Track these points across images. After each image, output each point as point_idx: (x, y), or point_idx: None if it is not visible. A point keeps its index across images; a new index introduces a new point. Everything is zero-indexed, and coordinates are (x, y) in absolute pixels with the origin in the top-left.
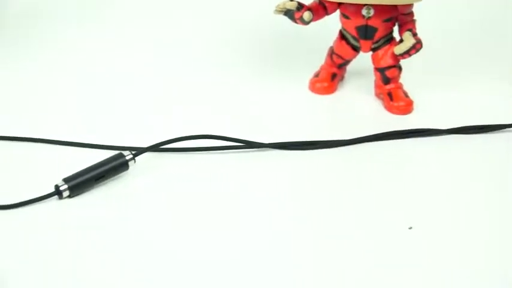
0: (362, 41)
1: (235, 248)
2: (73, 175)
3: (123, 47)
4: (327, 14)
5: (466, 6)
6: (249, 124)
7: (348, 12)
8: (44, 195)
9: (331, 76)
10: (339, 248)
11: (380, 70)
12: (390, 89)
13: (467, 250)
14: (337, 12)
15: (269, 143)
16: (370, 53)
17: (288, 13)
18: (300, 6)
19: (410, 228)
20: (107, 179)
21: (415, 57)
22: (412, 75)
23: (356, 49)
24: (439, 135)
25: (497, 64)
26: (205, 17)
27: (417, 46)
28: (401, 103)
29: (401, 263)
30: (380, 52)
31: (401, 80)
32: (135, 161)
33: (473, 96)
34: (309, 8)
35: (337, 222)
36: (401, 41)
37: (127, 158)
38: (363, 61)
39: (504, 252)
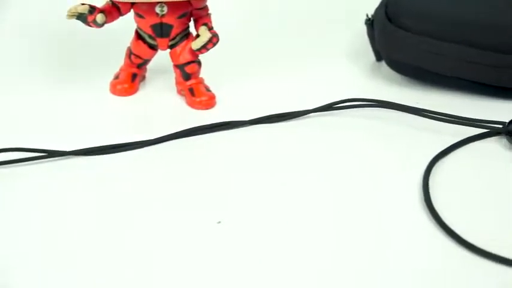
0: (159, 39)
1: None
2: None
3: None
4: (121, 14)
5: None
6: (49, 132)
7: (142, 11)
8: None
9: (131, 77)
10: (147, 250)
11: (179, 67)
12: (191, 85)
13: (276, 243)
14: (132, 12)
15: (72, 150)
16: (168, 50)
17: (81, 17)
18: (93, 9)
19: (219, 222)
20: None
21: (213, 51)
22: (213, 69)
23: (154, 48)
24: (242, 126)
25: (297, 53)
26: None
27: (214, 40)
28: (204, 98)
29: (212, 256)
30: (178, 49)
31: (201, 75)
32: None
33: (274, 85)
34: (101, 11)
35: (145, 222)
36: (197, 36)
37: None
38: (163, 59)
39: (315, 238)
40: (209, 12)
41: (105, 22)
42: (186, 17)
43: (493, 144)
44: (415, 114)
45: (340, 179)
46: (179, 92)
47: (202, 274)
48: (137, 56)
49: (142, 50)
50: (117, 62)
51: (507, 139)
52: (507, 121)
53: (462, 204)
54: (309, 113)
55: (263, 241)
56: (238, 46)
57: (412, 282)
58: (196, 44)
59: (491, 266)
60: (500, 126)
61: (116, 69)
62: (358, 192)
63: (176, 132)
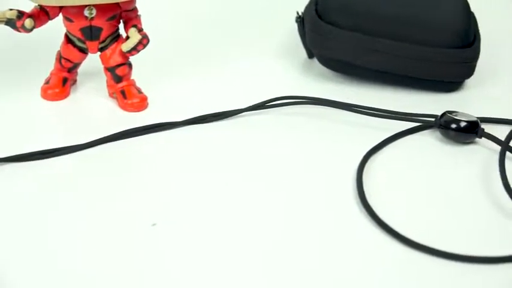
0: (88, 42)
1: None
2: None
3: None
4: (50, 19)
5: None
6: None
7: (70, 14)
8: None
9: (62, 81)
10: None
11: (110, 69)
12: (123, 87)
13: (211, 244)
14: (61, 16)
15: (3, 157)
16: (99, 53)
17: (9, 23)
18: (21, 15)
19: (154, 225)
20: None
21: (144, 52)
22: (144, 70)
23: (84, 51)
24: (176, 127)
25: (229, 51)
26: None
27: (144, 41)
28: (136, 100)
29: (147, 258)
30: (108, 51)
31: (133, 77)
32: None
33: (207, 84)
34: (30, 15)
35: (79, 227)
36: (127, 38)
37: None
38: (93, 62)
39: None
40: (138, 13)
41: (34, 27)
42: (115, 19)
43: (426, 138)
44: (347, 110)
45: (275, 177)
46: (111, 95)
47: (138, 277)
48: (67, 60)
49: (72, 53)
50: (48, 66)
51: (440, 132)
52: (439, 114)
53: (396, 198)
54: (242, 112)
55: (199, 242)
56: (169, 47)
57: (348, 275)
58: (126, 46)
59: (426, 258)
60: (433, 119)
61: (47, 74)
62: (293, 190)
63: (108, 136)
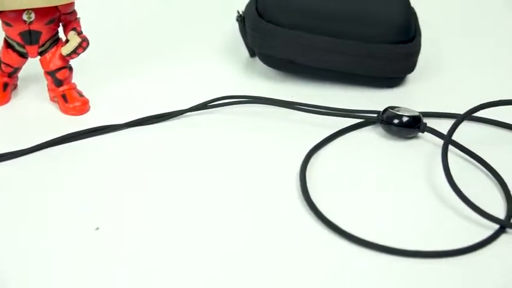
0: (28, 47)
1: None
2: None
3: None
4: None
5: None
6: None
7: (9, 19)
8: None
9: (2, 86)
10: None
11: (51, 73)
12: (64, 91)
13: (154, 246)
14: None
15: None
16: (39, 57)
17: None
18: None
19: (97, 229)
20: None
21: (84, 55)
22: (85, 73)
23: (24, 55)
24: (119, 130)
25: (170, 52)
26: None
27: (83, 44)
28: (77, 103)
29: (90, 261)
30: (48, 55)
31: (73, 80)
32: None
33: (149, 86)
34: None
35: (22, 232)
36: (67, 41)
37: None
38: (34, 66)
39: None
40: (78, 16)
41: None
42: (54, 22)
43: (369, 134)
44: (290, 108)
45: (220, 177)
46: (52, 99)
47: (81, 281)
48: (7, 65)
49: (12, 58)
50: None
51: (382, 127)
52: (381, 110)
53: (340, 194)
54: (185, 112)
55: (142, 245)
56: (110, 49)
57: (292, 271)
58: (66, 50)
59: (369, 254)
60: (375, 115)
61: None
62: (238, 189)
63: (50, 140)
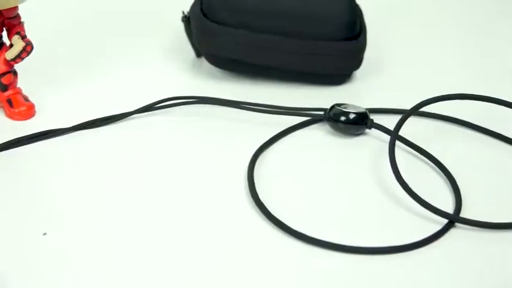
0: None
1: None
2: None
3: None
4: None
5: None
6: None
7: None
8: None
9: None
10: None
11: None
12: (9, 96)
13: (103, 250)
14: None
15: None
16: None
17: None
18: None
19: (45, 234)
20: None
21: (29, 59)
22: (30, 77)
23: None
24: (66, 133)
25: (116, 54)
26: None
27: (27, 48)
28: (23, 108)
29: (38, 266)
30: None
31: (19, 85)
32: None
33: (95, 88)
34: None
35: None
36: (11, 45)
37: None
38: None
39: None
40: (22, 20)
41: None
42: None
43: (316, 131)
44: (237, 107)
45: (168, 178)
46: None
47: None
48: None
49: None
50: None
51: (329, 125)
52: (328, 107)
53: (287, 192)
54: (132, 114)
55: (90, 249)
56: (55, 52)
57: (244, 273)
58: (10, 54)
59: (318, 252)
60: (322, 113)
61: None
62: (186, 189)
63: None
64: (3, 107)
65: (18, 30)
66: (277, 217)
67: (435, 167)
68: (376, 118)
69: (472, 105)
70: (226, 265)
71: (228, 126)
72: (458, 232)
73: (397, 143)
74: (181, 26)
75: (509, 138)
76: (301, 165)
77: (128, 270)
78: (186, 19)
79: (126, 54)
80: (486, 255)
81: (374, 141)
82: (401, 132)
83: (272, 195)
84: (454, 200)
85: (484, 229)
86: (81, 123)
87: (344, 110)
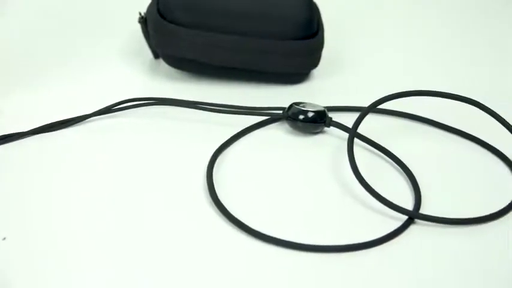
0: None
1: None
2: None
3: None
4: None
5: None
6: None
7: None
8: None
9: None
10: None
11: None
12: None
13: (64, 254)
14: None
15: None
16: None
17: None
18: None
19: (4, 239)
20: None
21: None
22: None
23: None
24: (23, 137)
25: (73, 56)
26: None
27: None
28: None
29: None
30: None
31: None
32: None
33: (53, 91)
34: None
35: None
36: None
37: None
38: None
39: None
40: None
41: None
42: None
43: (275, 131)
44: (195, 108)
45: (126, 180)
46: None
47: None
48: None
49: None
50: None
51: (288, 124)
52: (287, 106)
53: (247, 193)
54: (90, 117)
55: (50, 253)
56: (10, 56)
57: (204, 274)
58: None
59: (279, 251)
60: (281, 112)
61: None
62: (146, 191)
63: None
64: None
65: None
66: (237, 217)
67: (394, 164)
68: (335, 116)
69: (430, 101)
70: (186, 266)
71: (186, 127)
72: (418, 228)
73: (356, 140)
74: (138, 27)
75: (468, 133)
76: (261, 164)
77: (88, 269)
78: (143, 20)
79: (83, 56)
80: (446, 251)
81: (333, 140)
82: (360, 130)
83: (232, 196)
84: (414, 196)
85: (443, 225)
86: (39, 127)
87: (302, 108)
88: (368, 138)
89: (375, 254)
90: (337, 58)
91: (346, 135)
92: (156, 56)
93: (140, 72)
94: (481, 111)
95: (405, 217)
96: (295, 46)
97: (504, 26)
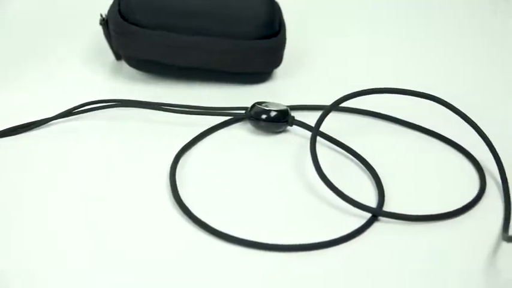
0: None
1: None
2: None
3: None
4: None
5: None
6: None
7: None
8: None
9: None
10: None
11: None
12: None
13: (34, 259)
14: None
15: None
16: None
17: None
18: None
19: None
20: None
21: None
22: None
23: None
24: None
25: (34, 58)
26: None
27: None
28: None
29: None
30: None
31: None
32: None
33: (12, 94)
34: None
35: None
36: None
37: None
38: None
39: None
40: None
41: None
42: None
43: (238, 131)
44: (157, 109)
45: (88, 183)
46: None
47: None
48: None
49: None
50: None
51: (251, 123)
52: (249, 106)
53: (211, 193)
54: (51, 120)
55: (15, 258)
56: None
57: (169, 277)
58: None
59: (243, 252)
60: (243, 111)
61: None
62: (109, 194)
63: None
64: None
65: None
66: (200, 218)
67: (357, 161)
68: (298, 115)
69: (391, 99)
70: (148, 267)
71: (149, 128)
72: (381, 226)
73: (319, 139)
74: (99, 29)
75: (430, 130)
76: (224, 165)
77: (54, 269)
78: (104, 22)
79: (44, 58)
80: (409, 248)
81: (296, 138)
82: (322, 128)
83: (195, 196)
84: (377, 194)
85: (407, 222)
86: (1, 131)
87: (265, 108)
88: (331, 137)
89: (339, 252)
90: (299, 57)
91: (309, 133)
92: (118, 57)
93: (102, 74)
94: (442, 107)
95: (369, 215)
96: (257, 46)
97: (465, 20)
